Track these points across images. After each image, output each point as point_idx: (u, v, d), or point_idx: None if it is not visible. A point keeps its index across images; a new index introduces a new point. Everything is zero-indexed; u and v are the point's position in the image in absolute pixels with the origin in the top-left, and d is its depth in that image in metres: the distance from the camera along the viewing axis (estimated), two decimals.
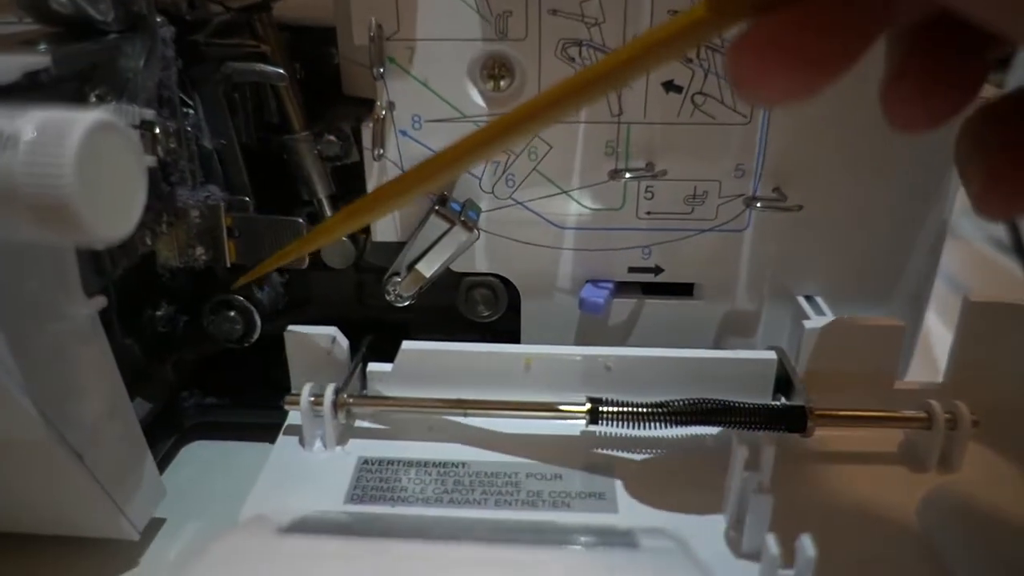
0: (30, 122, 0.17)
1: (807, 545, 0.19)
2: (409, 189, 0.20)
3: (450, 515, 0.24)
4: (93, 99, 0.23)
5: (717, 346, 0.32)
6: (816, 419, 0.26)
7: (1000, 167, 0.15)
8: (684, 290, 0.32)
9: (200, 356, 0.33)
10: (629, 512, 0.25)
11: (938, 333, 0.29)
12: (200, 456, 0.32)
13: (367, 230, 0.31)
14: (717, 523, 0.24)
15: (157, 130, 0.25)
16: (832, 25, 0.14)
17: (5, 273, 0.19)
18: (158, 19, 0.25)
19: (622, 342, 0.32)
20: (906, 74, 0.15)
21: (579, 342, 0.32)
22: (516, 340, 0.33)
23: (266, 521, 0.20)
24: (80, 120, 0.17)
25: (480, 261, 0.31)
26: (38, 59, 0.20)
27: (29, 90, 0.20)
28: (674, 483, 0.26)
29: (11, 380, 0.20)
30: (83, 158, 0.17)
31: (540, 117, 0.17)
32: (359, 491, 0.26)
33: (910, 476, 0.26)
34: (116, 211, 0.18)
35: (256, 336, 0.31)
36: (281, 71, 0.28)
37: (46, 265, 0.21)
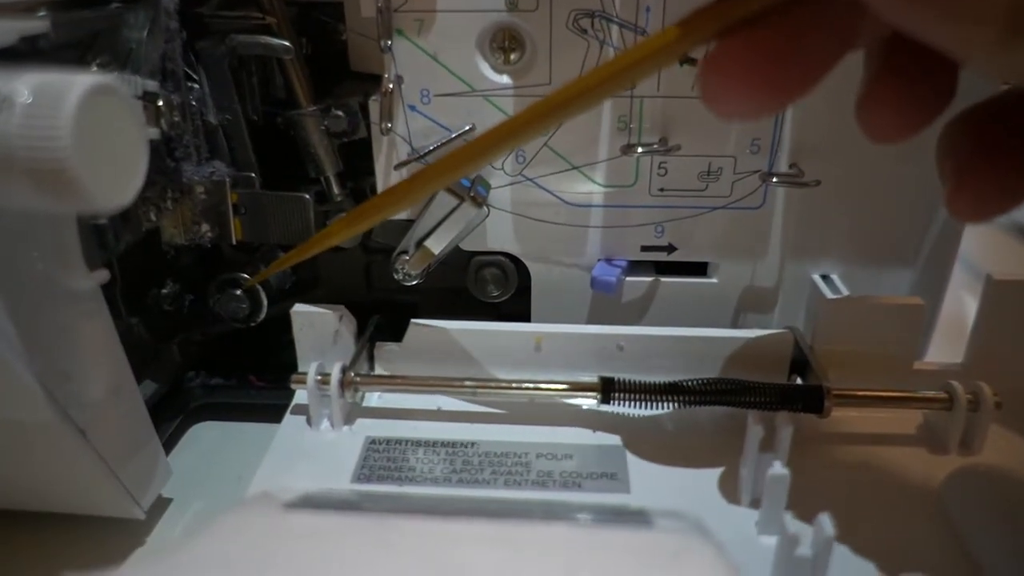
0: (26, 84, 0.16)
1: (825, 524, 0.19)
2: (415, 192, 0.20)
3: (459, 495, 0.24)
4: (94, 68, 0.22)
5: (732, 326, 0.31)
6: (833, 399, 0.25)
7: (969, 170, 0.16)
8: (698, 269, 0.31)
9: (206, 336, 0.32)
10: (641, 492, 0.24)
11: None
12: (206, 436, 0.32)
13: None
14: (732, 503, 0.24)
15: (160, 102, 0.25)
16: (791, 50, 0.14)
17: (5, 245, 0.19)
18: None
19: (635, 322, 0.32)
20: (879, 86, 0.16)
21: (591, 322, 0.32)
22: (526, 322, 0.32)
23: (271, 498, 0.20)
24: (78, 82, 0.16)
25: (490, 239, 0.30)
26: (37, 24, 0.19)
27: (28, 56, 0.19)
28: (688, 463, 0.26)
29: (13, 354, 0.19)
30: (81, 121, 0.16)
31: (521, 133, 0.17)
32: (366, 471, 0.25)
33: (930, 458, 0.26)
34: (116, 179, 0.18)
35: (263, 316, 0.31)
36: (287, 44, 0.27)
37: (47, 237, 0.20)
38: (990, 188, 0.16)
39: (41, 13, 0.20)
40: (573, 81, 0.16)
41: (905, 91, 0.16)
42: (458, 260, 0.31)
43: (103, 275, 0.22)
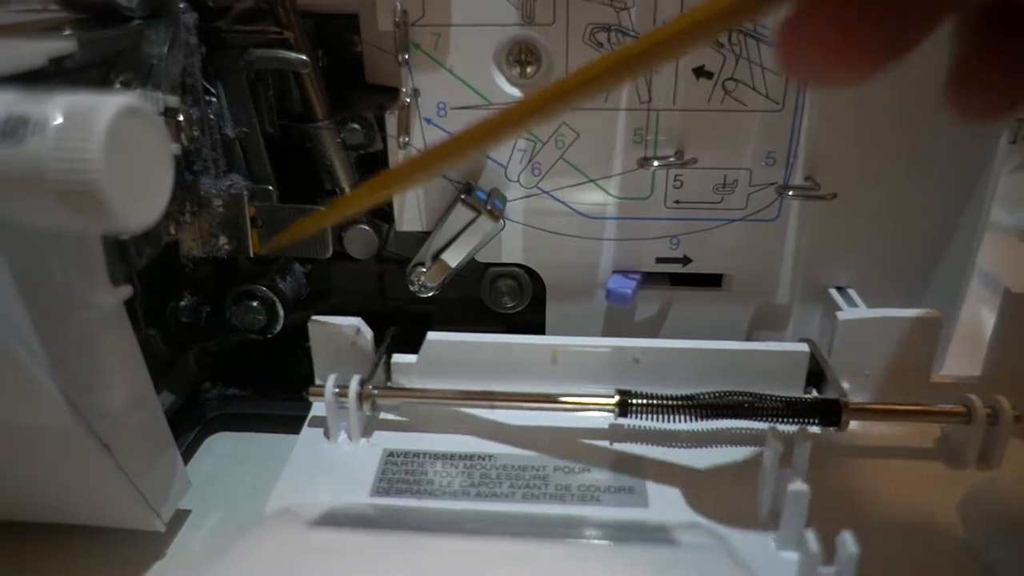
0: (58, 107, 0.16)
1: (848, 541, 0.19)
2: (433, 166, 0.19)
3: (477, 509, 0.24)
4: (117, 85, 0.22)
5: (747, 338, 0.31)
6: (851, 413, 0.26)
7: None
8: (713, 281, 0.31)
9: (221, 346, 0.33)
10: (660, 507, 0.24)
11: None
12: (222, 447, 0.32)
13: (391, 219, 0.31)
14: (751, 518, 0.24)
15: (181, 117, 0.25)
16: (888, 11, 0.13)
17: (32, 261, 0.19)
18: (181, 5, 0.25)
19: (649, 333, 0.32)
20: (976, 61, 0.14)
21: (605, 333, 0.32)
22: (541, 331, 0.32)
23: (294, 515, 0.20)
24: (108, 104, 0.17)
25: (505, 251, 0.31)
26: (63, 44, 0.19)
27: (55, 76, 0.19)
28: (705, 477, 0.26)
29: (39, 369, 0.19)
30: (111, 143, 0.16)
31: (570, 98, 0.16)
32: (385, 484, 0.25)
33: (948, 472, 0.26)
34: (143, 198, 0.18)
35: (279, 327, 0.31)
36: (304, 58, 0.27)
37: (73, 253, 0.20)
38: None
39: (66, 32, 0.20)
40: (636, 41, 0.14)
41: (1005, 65, 0.14)
42: (472, 271, 0.31)
43: (127, 291, 0.22)
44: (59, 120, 0.16)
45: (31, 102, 0.17)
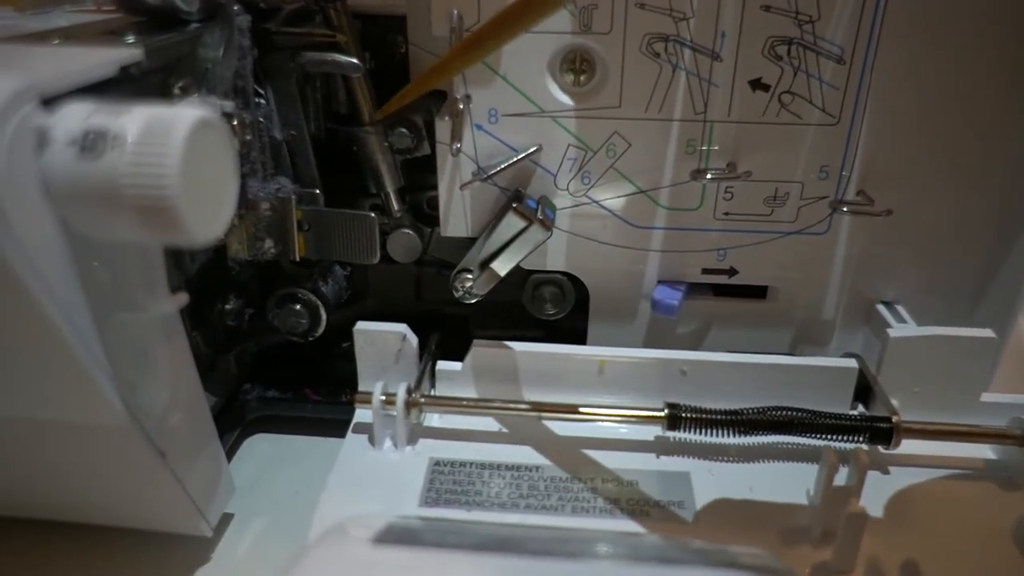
0: (134, 121, 0.16)
1: None
2: None
3: (529, 522, 0.24)
4: (177, 91, 0.22)
5: (790, 350, 0.31)
6: (903, 432, 0.25)
7: None
8: (756, 292, 0.31)
9: (261, 347, 0.32)
10: (709, 521, 0.24)
11: None
12: (262, 450, 0.32)
13: (435, 224, 0.31)
14: (803, 536, 0.24)
15: (235, 122, 0.25)
16: None
17: (98, 270, 0.19)
18: (235, 7, 0.25)
19: (691, 343, 0.31)
20: None
21: (647, 343, 0.32)
22: (580, 338, 0.32)
23: (348, 534, 0.20)
24: (183, 118, 0.16)
25: (550, 259, 0.30)
26: (132, 52, 0.19)
27: (121, 83, 0.19)
28: (754, 491, 0.25)
29: (100, 372, 0.19)
30: (187, 158, 0.16)
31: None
32: (433, 494, 0.25)
33: (1000, 494, 0.26)
34: (212, 211, 0.18)
35: (321, 330, 0.31)
36: (356, 62, 0.27)
37: (135, 262, 0.20)
38: None
39: (130, 39, 0.20)
40: None
41: None
42: (513, 276, 0.31)
43: (184, 299, 0.22)
44: (137, 135, 0.16)
45: (107, 114, 0.16)
